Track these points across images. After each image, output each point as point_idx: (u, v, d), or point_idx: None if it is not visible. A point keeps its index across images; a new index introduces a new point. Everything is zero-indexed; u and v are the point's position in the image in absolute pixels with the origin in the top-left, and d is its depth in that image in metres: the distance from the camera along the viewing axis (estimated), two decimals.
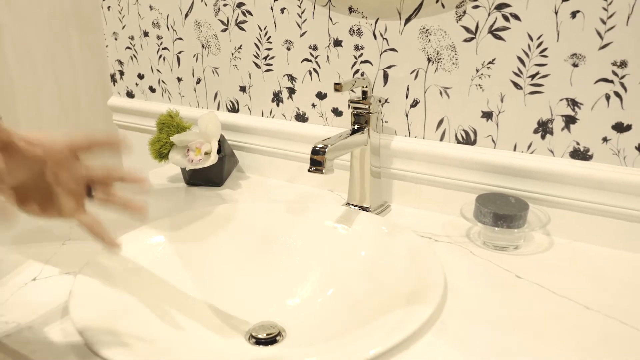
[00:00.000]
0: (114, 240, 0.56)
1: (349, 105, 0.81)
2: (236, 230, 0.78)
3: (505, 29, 0.72)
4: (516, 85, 0.73)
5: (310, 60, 0.91)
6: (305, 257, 0.76)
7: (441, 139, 0.82)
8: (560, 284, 0.63)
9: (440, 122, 0.81)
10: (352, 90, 0.88)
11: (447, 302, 0.60)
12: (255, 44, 0.96)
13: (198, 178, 0.98)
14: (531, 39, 0.71)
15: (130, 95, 1.21)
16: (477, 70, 0.76)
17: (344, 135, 0.77)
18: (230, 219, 0.80)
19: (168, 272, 0.70)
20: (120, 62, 1.20)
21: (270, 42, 0.94)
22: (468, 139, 0.80)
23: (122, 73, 1.20)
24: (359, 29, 0.84)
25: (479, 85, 0.76)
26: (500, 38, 0.73)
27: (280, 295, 0.73)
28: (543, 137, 0.73)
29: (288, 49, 0.93)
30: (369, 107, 0.79)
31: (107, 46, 1.21)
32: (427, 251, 0.67)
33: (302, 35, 0.90)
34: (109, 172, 0.57)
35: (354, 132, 0.79)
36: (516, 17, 0.71)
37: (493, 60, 0.74)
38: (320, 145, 0.71)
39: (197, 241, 0.76)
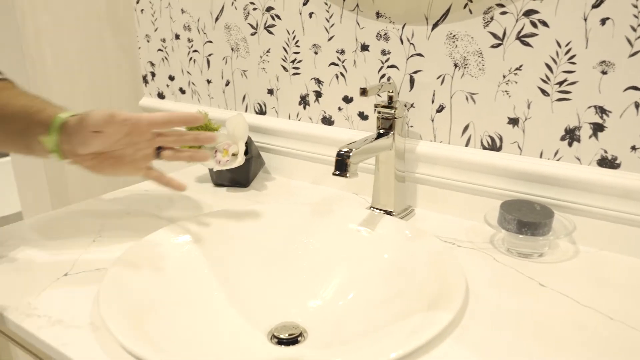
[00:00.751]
0: (180, 183, 0.74)
1: (375, 110, 0.81)
2: (260, 231, 0.80)
3: (533, 35, 0.72)
4: (543, 91, 0.73)
5: (337, 64, 0.92)
6: (328, 260, 0.77)
7: (466, 145, 0.82)
8: (584, 293, 0.63)
9: (466, 127, 0.81)
10: (378, 95, 0.88)
11: (468, 308, 0.60)
12: (284, 47, 0.97)
13: (225, 179, 0.99)
14: (559, 45, 0.70)
15: (161, 96, 1.24)
16: (504, 76, 0.75)
17: (369, 140, 0.78)
18: (255, 220, 0.81)
19: (193, 271, 0.72)
20: (152, 64, 1.23)
21: (298, 46, 0.95)
22: (494, 145, 0.79)
23: (153, 74, 1.23)
24: (386, 33, 0.84)
25: (506, 91, 0.76)
26: (527, 44, 0.72)
27: (303, 296, 0.74)
28: (570, 144, 0.73)
29: (315, 52, 0.94)
30: (394, 111, 0.80)
31: (139, 48, 1.24)
32: (448, 256, 0.68)
33: (329, 39, 0.91)
34: (180, 136, 0.73)
35: (379, 136, 0.80)
36: (544, 23, 0.70)
37: (520, 66, 0.74)
38: (345, 149, 0.72)
39: (222, 241, 0.77)
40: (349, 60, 0.90)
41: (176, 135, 0.73)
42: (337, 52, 0.91)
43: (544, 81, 0.73)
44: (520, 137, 0.77)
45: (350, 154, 0.71)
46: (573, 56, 0.70)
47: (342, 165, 0.72)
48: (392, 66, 0.86)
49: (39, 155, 0.68)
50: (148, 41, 1.21)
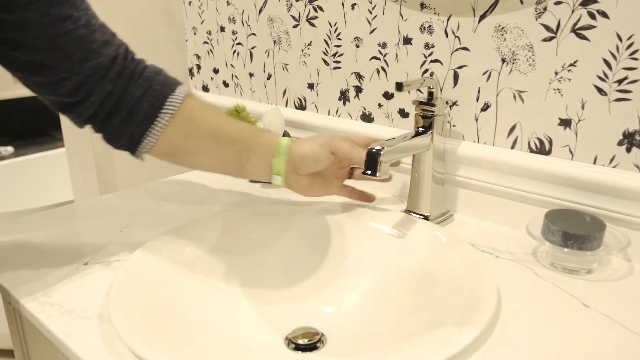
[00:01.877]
0: (370, 195, 0.83)
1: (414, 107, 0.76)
2: (285, 231, 0.76)
3: (590, 27, 0.65)
4: (600, 90, 0.66)
5: (379, 58, 0.87)
6: (356, 263, 0.73)
7: (512, 147, 0.75)
8: (634, 318, 0.55)
9: (513, 128, 0.75)
10: (419, 91, 0.83)
11: (497, 326, 0.54)
12: (325, 40, 0.94)
13: None
14: (620, 39, 0.63)
15: (205, 89, 1.23)
16: (557, 73, 0.69)
17: (406, 138, 0.73)
18: (280, 219, 0.78)
19: (211, 270, 0.69)
20: (198, 57, 1.22)
21: (340, 39, 0.92)
22: (542, 149, 0.73)
23: (199, 67, 1.23)
24: (430, 26, 0.79)
25: (558, 89, 0.69)
26: (584, 38, 0.65)
27: (325, 300, 0.70)
28: (629, 150, 0.65)
29: (357, 46, 0.89)
30: (434, 108, 0.74)
31: (186, 40, 1.24)
32: (482, 267, 0.62)
33: (371, 32, 0.87)
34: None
35: (417, 134, 0.75)
36: (604, 14, 0.63)
37: (575, 62, 0.67)
38: (377, 147, 0.67)
39: (243, 240, 0.74)
40: (390, 54, 0.85)
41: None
42: (379, 45, 0.86)
43: (601, 79, 0.65)
44: (572, 140, 0.70)
45: (382, 152, 0.67)
46: (635, 51, 0.62)
47: (372, 163, 0.67)
48: (436, 61, 0.80)
49: (248, 177, 0.80)
50: (195, 34, 1.21)
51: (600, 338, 0.52)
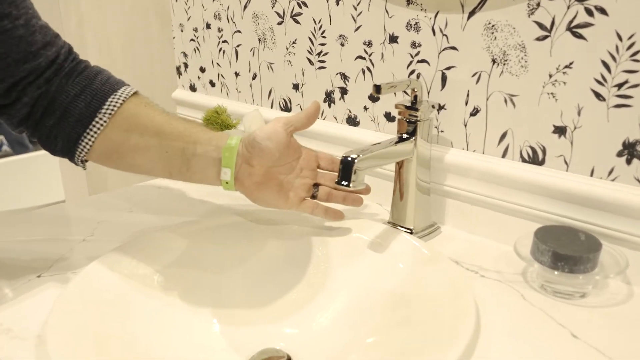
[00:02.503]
0: (337, 213, 0.71)
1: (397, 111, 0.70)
2: (254, 243, 0.71)
3: (587, 25, 0.58)
4: (598, 95, 0.59)
5: (364, 58, 0.81)
6: (330, 278, 0.67)
7: (503, 156, 0.69)
8: (627, 351, 0.49)
9: (504, 135, 0.68)
10: (405, 93, 0.77)
11: (473, 357, 0.48)
12: (310, 38, 0.88)
13: None
14: (620, 38, 0.56)
15: (192, 88, 1.18)
16: (551, 76, 0.62)
17: (386, 144, 0.67)
18: (250, 230, 0.72)
19: (172, 286, 0.64)
20: (185, 55, 1.17)
21: (325, 37, 0.86)
22: (535, 158, 0.66)
23: (186, 66, 1.18)
24: (416, 23, 0.73)
25: (552, 93, 0.63)
26: (580, 37, 0.59)
27: (295, 320, 0.64)
28: (629, 161, 0.59)
29: (342, 44, 0.84)
30: (418, 113, 0.68)
31: (174, 38, 1.19)
32: (463, 291, 0.56)
33: (356, 29, 0.81)
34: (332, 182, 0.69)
35: (400, 140, 0.69)
36: (602, 11, 0.57)
37: (570, 63, 0.61)
38: (353, 156, 0.62)
39: (213, 254, 0.69)
40: (376, 53, 0.79)
41: (330, 181, 0.71)
42: (364, 44, 0.81)
43: (599, 82, 0.59)
44: (567, 149, 0.63)
45: (357, 160, 0.61)
46: (637, 52, 0.56)
47: (346, 172, 0.62)
48: (423, 61, 0.74)
49: (195, 178, 0.64)
50: (182, 30, 1.16)
51: None
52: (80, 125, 0.58)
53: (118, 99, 0.59)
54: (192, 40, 1.14)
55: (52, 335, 0.50)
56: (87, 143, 0.59)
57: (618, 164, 0.60)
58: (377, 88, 0.63)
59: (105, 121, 0.58)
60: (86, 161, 0.63)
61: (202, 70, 1.13)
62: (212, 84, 1.12)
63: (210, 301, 0.64)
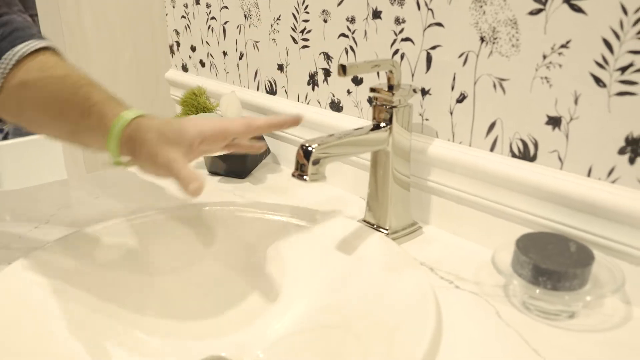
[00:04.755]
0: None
1: (371, 95, 0.62)
2: (208, 241, 0.65)
3: None
4: (598, 80, 0.50)
5: (347, 36, 0.73)
6: (288, 283, 0.61)
7: (491, 149, 0.60)
8: None
9: (492, 125, 0.60)
10: (387, 73, 0.69)
11: None
12: (293, 13, 0.80)
13: (218, 167, 0.85)
14: (625, 11, 0.47)
15: (185, 68, 1.12)
16: (545, 57, 0.53)
17: (358, 133, 0.60)
18: (208, 225, 0.66)
19: (107, 289, 0.58)
20: (177, 32, 1.11)
21: (308, 12, 0.78)
22: (526, 153, 0.57)
23: (178, 44, 1.12)
24: None
25: (546, 77, 0.54)
26: (579, 10, 0.50)
27: (247, 326, 0.58)
28: (632, 160, 0.49)
29: (325, 20, 0.76)
30: (394, 98, 0.60)
31: (166, 15, 1.13)
32: (424, 306, 0.48)
33: (339, 3, 0.73)
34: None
35: (375, 128, 0.61)
36: None
37: (567, 42, 0.51)
38: (314, 145, 0.54)
39: (160, 252, 0.63)
40: (359, 30, 0.71)
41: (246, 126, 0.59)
42: (347, 20, 0.72)
43: (599, 65, 0.49)
44: (562, 144, 0.54)
45: (314, 148, 0.54)
46: None
47: (301, 164, 0.54)
48: (407, 39, 0.66)
49: (98, 152, 0.56)
50: (173, 7, 1.10)
51: None
52: None
53: (8, 61, 0.53)
54: (182, 17, 1.07)
55: None
56: None
57: (619, 163, 0.50)
58: (343, 68, 0.55)
59: None
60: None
61: (193, 49, 1.07)
62: (202, 64, 1.06)
63: (149, 306, 0.58)
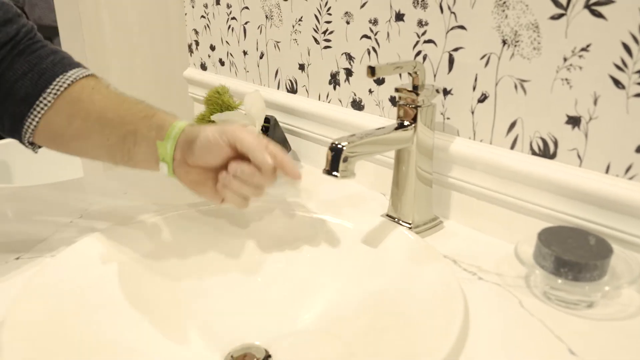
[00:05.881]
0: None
1: (396, 95, 0.65)
2: (233, 237, 0.67)
3: (608, 2, 0.51)
4: (617, 83, 0.53)
5: (370, 37, 0.76)
6: (317, 274, 0.63)
7: (512, 147, 0.63)
8: None
9: (513, 124, 0.62)
10: (409, 74, 0.71)
11: None
12: (315, 15, 0.83)
13: None
14: None
15: (203, 67, 1.15)
16: (565, 60, 0.56)
17: (383, 131, 0.62)
18: (232, 222, 0.68)
19: (146, 277, 0.61)
20: (196, 32, 1.14)
21: (330, 14, 0.81)
22: (546, 151, 0.60)
23: (197, 43, 1.14)
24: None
25: (566, 79, 0.56)
26: (600, 15, 0.52)
27: (279, 315, 0.61)
28: None
29: (347, 22, 0.78)
30: (419, 98, 0.63)
31: (185, 14, 1.15)
32: (451, 296, 0.51)
33: (362, 6, 0.75)
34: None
35: (399, 127, 0.64)
36: None
37: (588, 46, 0.54)
38: (344, 143, 0.57)
39: (191, 245, 0.65)
40: (382, 32, 0.74)
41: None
42: (370, 22, 0.75)
43: (619, 68, 0.52)
44: (581, 142, 0.57)
45: (345, 147, 0.57)
46: None
47: (334, 161, 0.57)
48: (430, 41, 0.68)
49: (139, 165, 0.60)
50: (193, 6, 1.12)
51: None
52: (25, 104, 0.55)
53: (66, 79, 0.56)
54: (202, 17, 1.10)
55: (8, 324, 0.47)
56: (31, 123, 0.56)
57: (637, 161, 0.53)
58: (372, 69, 0.58)
59: (49, 101, 0.55)
60: (35, 144, 0.60)
61: (212, 48, 1.10)
62: (222, 63, 1.08)
63: (189, 291, 0.61)
